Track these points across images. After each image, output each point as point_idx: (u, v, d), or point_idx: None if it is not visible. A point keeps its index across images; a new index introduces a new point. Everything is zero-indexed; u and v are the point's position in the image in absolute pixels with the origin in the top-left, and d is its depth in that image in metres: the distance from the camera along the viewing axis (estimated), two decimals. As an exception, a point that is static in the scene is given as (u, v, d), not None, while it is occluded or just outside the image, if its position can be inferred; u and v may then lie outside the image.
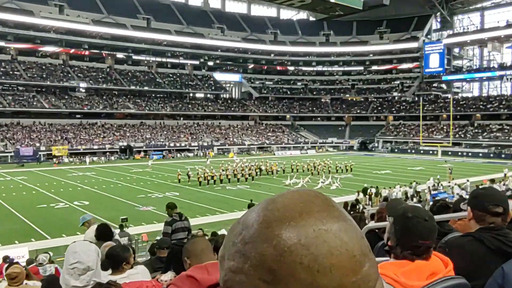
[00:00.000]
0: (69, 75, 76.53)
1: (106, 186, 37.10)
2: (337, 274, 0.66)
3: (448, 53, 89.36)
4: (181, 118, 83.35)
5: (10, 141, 61.11)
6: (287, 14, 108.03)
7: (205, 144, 73.70)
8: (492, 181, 26.39)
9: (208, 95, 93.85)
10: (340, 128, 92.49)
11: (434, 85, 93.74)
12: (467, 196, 3.57)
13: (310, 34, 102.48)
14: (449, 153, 68.86)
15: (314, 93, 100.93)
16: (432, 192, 27.94)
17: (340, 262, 0.67)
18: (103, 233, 5.78)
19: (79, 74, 77.76)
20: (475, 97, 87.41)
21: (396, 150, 78.77)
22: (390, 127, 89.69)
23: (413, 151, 75.90)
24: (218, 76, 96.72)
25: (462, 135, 75.70)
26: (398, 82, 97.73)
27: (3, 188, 35.54)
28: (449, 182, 34.66)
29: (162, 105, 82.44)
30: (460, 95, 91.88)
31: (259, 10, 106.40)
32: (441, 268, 1.84)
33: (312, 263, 0.66)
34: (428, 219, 1.94)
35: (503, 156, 64.58)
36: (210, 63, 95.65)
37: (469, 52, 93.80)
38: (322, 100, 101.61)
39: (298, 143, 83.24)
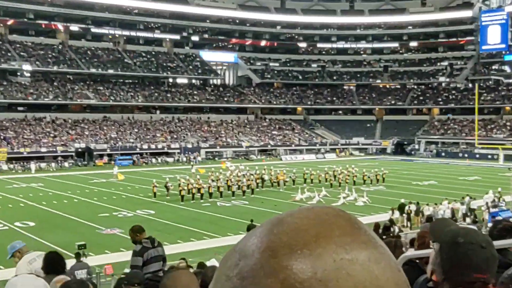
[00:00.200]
0: (9, 54, 76.64)
1: (58, 201, 37.02)
2: None
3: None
4: (158, 111, 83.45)
5: None
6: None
7: (189, 145, 73.75)
8: None
9: (193, 81, 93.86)
10: (368, 125, 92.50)
11: (493, 67, 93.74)
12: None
13: (329, 0, 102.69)
14: (514, 157, 68.77)
15: (334, 78, 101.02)
16: (491, 210, 27.87)
17: None
18: (53, 264, 5.77)
19: (21, 53, 77.88)
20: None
21: (443, 154, 78.66)
22: (435, 123, 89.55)
23: (466, 155, 75.77)
24: (207, 55, 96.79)
25: (531, 134, 75.64)
26: (445, 63, 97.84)
27: None
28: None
29: (132, 94, 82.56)
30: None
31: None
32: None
33: None
34: (486, 246, 1.94)
35: None
36: (196, 38, 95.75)
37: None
38: (345, 87, 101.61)
39: (313, 145, 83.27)
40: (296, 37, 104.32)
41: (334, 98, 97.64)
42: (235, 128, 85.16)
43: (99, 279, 17.42)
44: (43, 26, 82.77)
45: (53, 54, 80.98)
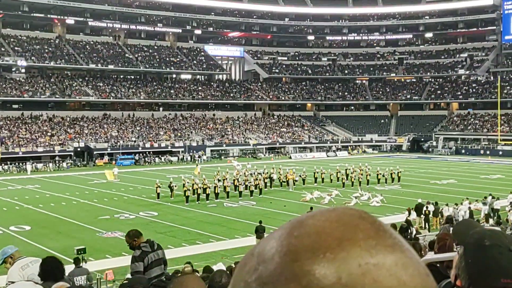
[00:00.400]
0: (2, 49, 76.99)
1: (56, 204, 37.09)
2: None
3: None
4: (160, 109, 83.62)
5: None
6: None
7: (194, 144, 73.88)
8: None
9: (198, 76, 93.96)
10: (382, 121, 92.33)
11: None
12: None
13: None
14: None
15: (346, 72, 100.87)
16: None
17: None
18: (51, 271, 5.76)
19: (16, 48, 78.21)
20: None
21: (463, 151, 78.43)
22: (455, 118, 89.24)
23: (487, 152, 75.51)
24: (212, 49, 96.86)
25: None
26: (465, 55, 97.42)
27: None
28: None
29: (133, 90, 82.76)
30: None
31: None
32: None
33: None
34: (514, 249, 1.90)
35: None
36: (200, 32, 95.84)
37: None
38: (357, 81, 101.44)
39: (324, 142, 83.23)
40: (306, 29, 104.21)
41: (346, 93, 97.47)
42: (242, 125, 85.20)
43: (100, 285, 17.45)
44: (39, 19, 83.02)
45: (50, 48, 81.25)
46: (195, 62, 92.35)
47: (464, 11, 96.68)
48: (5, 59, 74.81)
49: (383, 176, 46.22)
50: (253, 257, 0.73)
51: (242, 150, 76.70)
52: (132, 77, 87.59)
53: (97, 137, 70.62)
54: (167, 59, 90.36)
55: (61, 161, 63.94)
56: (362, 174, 45.62)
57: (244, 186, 39.98)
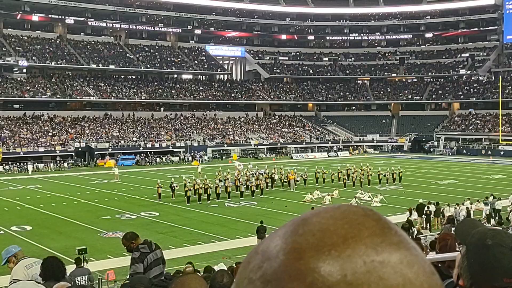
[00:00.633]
0: (3, 49, 77.03)
1: (57, 204, 37.14)
2: None
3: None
4: (162, 109, 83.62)
5: None
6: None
7: (195, 144, 73.89)
8: None
9: (199, 76, 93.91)
10: (384, 121, 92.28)
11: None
12: None
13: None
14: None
15: (347, 72, 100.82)
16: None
17: None
18: (53, 271, 5.78)
19: (17, 48, 78.25)
20: None
21: (464, 151, 78.37)
22: (456, 118, 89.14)
23: (489, 152, 75.44)
24: (213, 49, 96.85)
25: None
26: (466, 55, 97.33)
27: None
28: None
29: (134, 90, 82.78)
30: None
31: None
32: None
33: None
34: (517, 249, 1.90)
35: None
36: (201, 32, 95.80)
37: None
38: (358, 81, 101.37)
39: (325, 143, 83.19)
40: (307, 29, 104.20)
41: (347, 93, 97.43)
42: (243, 125, 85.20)
43: (101, 285, 17.45)
44: (40, 19, 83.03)
45: (51, 48, 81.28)
46: (196, 62, 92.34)
47: (466, 11, 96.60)
48: (6, 59, 74.81)
49: (384, 176, 46.24)
50: (258, 255, 0.73)
51: (244, 150, 76.68)
52: (133, 77, 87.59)
53: (98, 137, 70.65)
54: (168, 59, 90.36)
55: (62, 161, 63.96)
56: (363, 174, 45.66)
57: (245, 186, 39.99)
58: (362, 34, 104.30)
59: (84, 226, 29.87)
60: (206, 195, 37.59)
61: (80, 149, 66.63)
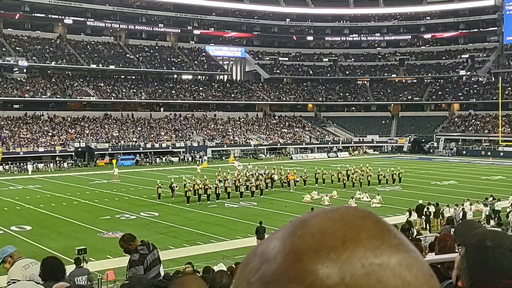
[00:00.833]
0: (3, 49, 77.03)
1: (57, 204, 37.13)
2: None
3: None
4: (161, 109, 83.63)
5: None
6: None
7: (195, 144, 73.88)
8: None
9: (199, 77, 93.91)
10: (383, 122, 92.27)
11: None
12: None
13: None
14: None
15: (347, 72, 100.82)
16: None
17: None
18: (52, 271, 5.77)
19: (17, 48, 78.25)
20: None
21: (464, 152, 78.37)
22: (456, 119, 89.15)
23: (489, 153, 75.45)
24: (213, 50, 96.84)
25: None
26: (466, 56, 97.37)
27: None
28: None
29: (134, 90, 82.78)
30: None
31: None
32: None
33: None
34: (516, 250, 1.90)
35: None
36: (201, 32, 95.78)
37: None
38: (358, 82, 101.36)
39: (325, 143, 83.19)
40: (307, 30, 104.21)
41: (347, 94, 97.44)
42: (243, 125, 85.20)
43: (100, 286, 17.45)
44: (40, 19, 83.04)
45: (51, 48, 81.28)
46: (196, 62, 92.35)
47: (465, 12, 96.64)
48: (6, 59, 74.83)
49: (384, 177, 46.20)
50: (256, 257, 0.73)
51: (243, 150, 76.69)
52: (133, 77, 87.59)
53: (98, 137, 70.66)
54: (168, 59, 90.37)
55: (62, 161, 63.96)
56: (363, 175, 45.64)
57: (245, 186, 39.98)
58: (362, 35, 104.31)
59: (84, 226, 29.86)
60: (205, 195, 37.59)
61: (80, 149, 66.64)
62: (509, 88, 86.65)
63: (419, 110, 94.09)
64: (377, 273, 0.67)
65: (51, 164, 62.64)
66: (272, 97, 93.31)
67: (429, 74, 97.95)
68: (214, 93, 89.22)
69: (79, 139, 68.88)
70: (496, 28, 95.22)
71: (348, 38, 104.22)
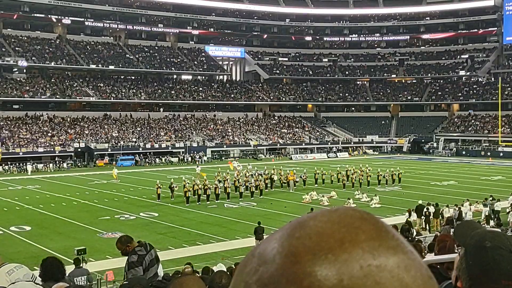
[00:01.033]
0: (3, 49, 77.02)
1: (56, 204, 37.12)
2: None
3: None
4: (161, 109, 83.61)
5: None
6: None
7: (195, 144, 73.86)
8: None
9: (199, 77, 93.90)
10: (383, 122, 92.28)
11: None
12: None
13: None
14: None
15: (347, 73, 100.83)
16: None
17: None
18: (52, 271, 5.77)
19: (17, 48, 78.23)
20: None
21: (463, 153, 78.38)
22: (455, 119, 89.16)
23: (488, 153, 75.47)
24: (213, 50, 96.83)
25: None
26: (466, 56, 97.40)
27: None
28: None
29: (134, 91, 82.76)
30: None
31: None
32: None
33: None
34: (515, 251, 1.90)
35: None
36: (201, 32, 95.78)
37: None
38: (358, 82, 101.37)
39: (325, 143, 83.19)
40: (306, 30, 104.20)
41: (347, 94, 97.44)
42: (242, 126, 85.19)
43: (100, 286, 17.44)
44: (40, 19, 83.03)
45: (50, 49, 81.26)
46: (195, 62, 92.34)
47: (465, 12, 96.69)
48: (6, 59, 74.82)
49: (384, 177, 46.19)
50: (254, 258, 0.73)
51: (243, 151, 76.68)
52: (133, 77, 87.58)
53: (97, 138, 70.65)
54: (168, 59, 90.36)
55: (61, 162, 63.94)
56: (362, 175, 45.64)
57: (244, 187, 39.97)
58: (361, 35, 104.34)
59: (83, 226, 29.85)
60: (205, 195, 37.59)
61: (79, 150, 66.63)
62: (509, 88, 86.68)
63: (419, 110, 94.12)
64: (375, 275, 0.67)
65: (51, 165, 62.63)
66: (271, 98, 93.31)
67: (429, 75, 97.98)
68: (214, 94, 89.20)
69: (78, 139, 68.85)
70: (495, 28, 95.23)
71: (348, 38, 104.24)
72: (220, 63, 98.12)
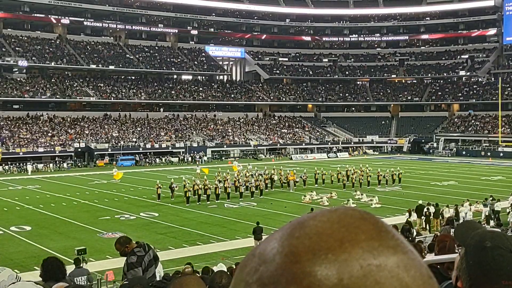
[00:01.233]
0: (3, 49, 77.02)
1: (56, 204, 37.13)
2: None
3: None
4: (161, 109, 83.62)
5: None
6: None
7: (195, 144, 73.86)
8: None
9: (199, 77, 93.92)
10: (383, 122, 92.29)
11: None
12: None
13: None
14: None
15: (347, 73, 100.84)
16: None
17: None
18: (53, 271, 5.78)
19: (17, 48, 78.24)
20: None
21: (463, 153, 78.40)
22: (455, 120, 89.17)
23: (488, 153, 75.48)
24: (213, 50, 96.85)
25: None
26: (466, 56, 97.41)
27: None
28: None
29: (134, 91, 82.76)
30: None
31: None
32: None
33: None
34: (516, 251, 1.90)
35: None
36: (201, 32, 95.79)
37: None
38: (358, 82, 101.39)
39: (325, 144, 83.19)
40: (306, 30, 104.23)
41: (347, 94, 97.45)
42: (242, 126, 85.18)
43: (100, 286, 17.44)
44: (40, 19, 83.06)
45: (51, 49, 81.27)
46: (196, 62, 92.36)
47: (465, 13, 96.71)
48: (6, 59, 74.82)
49: (384, 177, 46.18)
50: (254, 258, 0.73)
51: (243, 151, 76.67)
52: (133, 77, 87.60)
53: (97, 138, 70.65)
54: (168, 59, 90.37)
55: (61, 162, 63.94)
56: (362, 175, 45.64)
57: (244, 187, 39.97)
58: (361, 35, 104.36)
59: (83, 226, 29.85)
60: (205, 195, 37.59)
61: (79, 150, 66.62)
62: (509, 89, 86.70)
63: (419, 110, 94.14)
64: (375, 275, 0.67)
65: (51, 165, 62.63)
66: (271, 98, 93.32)
67: (429, 75, 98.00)
68: (214, 94, 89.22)
69: (78, 139, 68.85)
70: (496, 28, 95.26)
71: (348, 38, 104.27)
72: (220, 63, 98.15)
